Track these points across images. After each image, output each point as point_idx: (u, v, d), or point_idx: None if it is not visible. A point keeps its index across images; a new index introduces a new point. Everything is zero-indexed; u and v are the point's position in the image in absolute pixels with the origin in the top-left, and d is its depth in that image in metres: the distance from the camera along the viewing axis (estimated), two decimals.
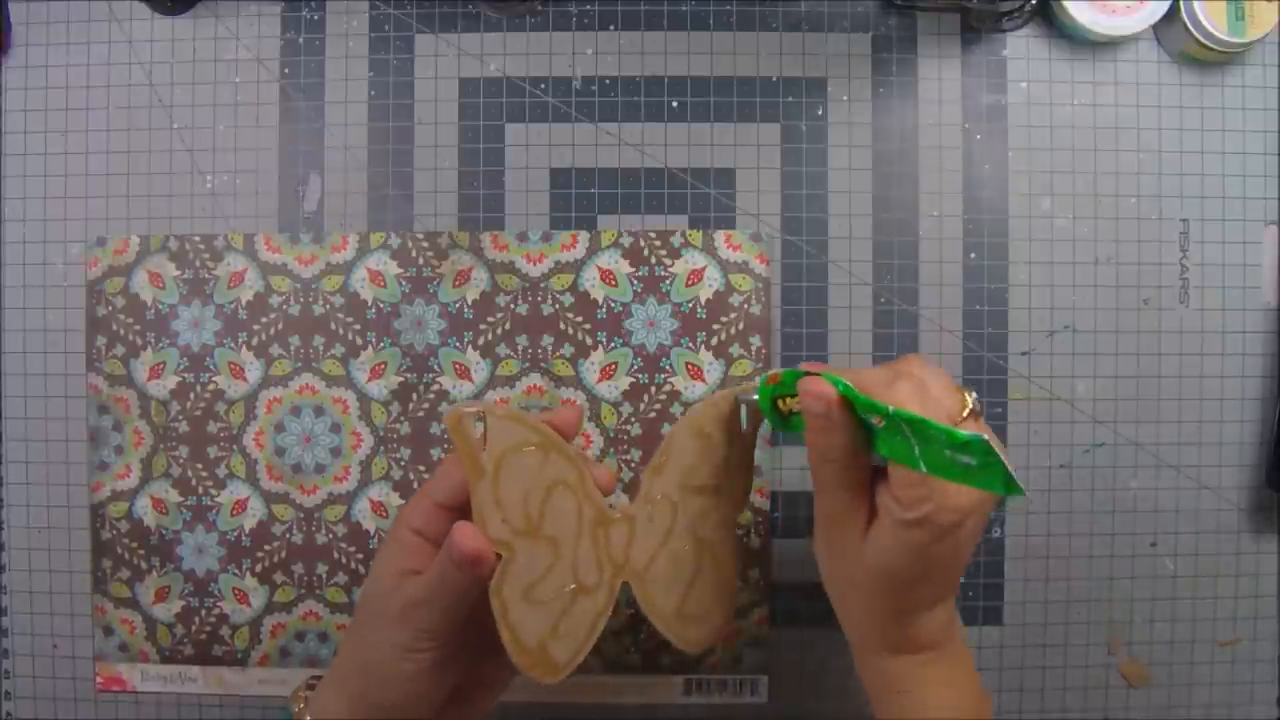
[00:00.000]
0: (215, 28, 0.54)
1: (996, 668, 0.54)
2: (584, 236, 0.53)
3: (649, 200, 0.53)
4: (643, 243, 0.53)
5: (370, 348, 0.54)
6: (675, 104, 0.54)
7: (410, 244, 0.53)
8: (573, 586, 0.41)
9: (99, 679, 0.55)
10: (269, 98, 0.54)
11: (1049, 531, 0.54)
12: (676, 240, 0.53)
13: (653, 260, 0.53)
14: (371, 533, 0.54)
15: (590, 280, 0.53)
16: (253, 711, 0.54)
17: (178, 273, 0.54)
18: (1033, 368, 0.53)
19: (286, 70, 0.54)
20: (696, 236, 0.53)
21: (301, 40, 0.54)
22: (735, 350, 0.53)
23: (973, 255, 0.54)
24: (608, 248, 0.53)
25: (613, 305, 0.53)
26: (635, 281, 0.53)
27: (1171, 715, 0.54)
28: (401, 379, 0.54)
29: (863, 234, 0.54)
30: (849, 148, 0.54)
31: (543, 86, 0.54)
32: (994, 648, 0.54)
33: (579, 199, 0.54)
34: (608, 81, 0.54)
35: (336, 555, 0.54)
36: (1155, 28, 0.51)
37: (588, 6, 0.54)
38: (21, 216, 0.55)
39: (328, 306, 0.54)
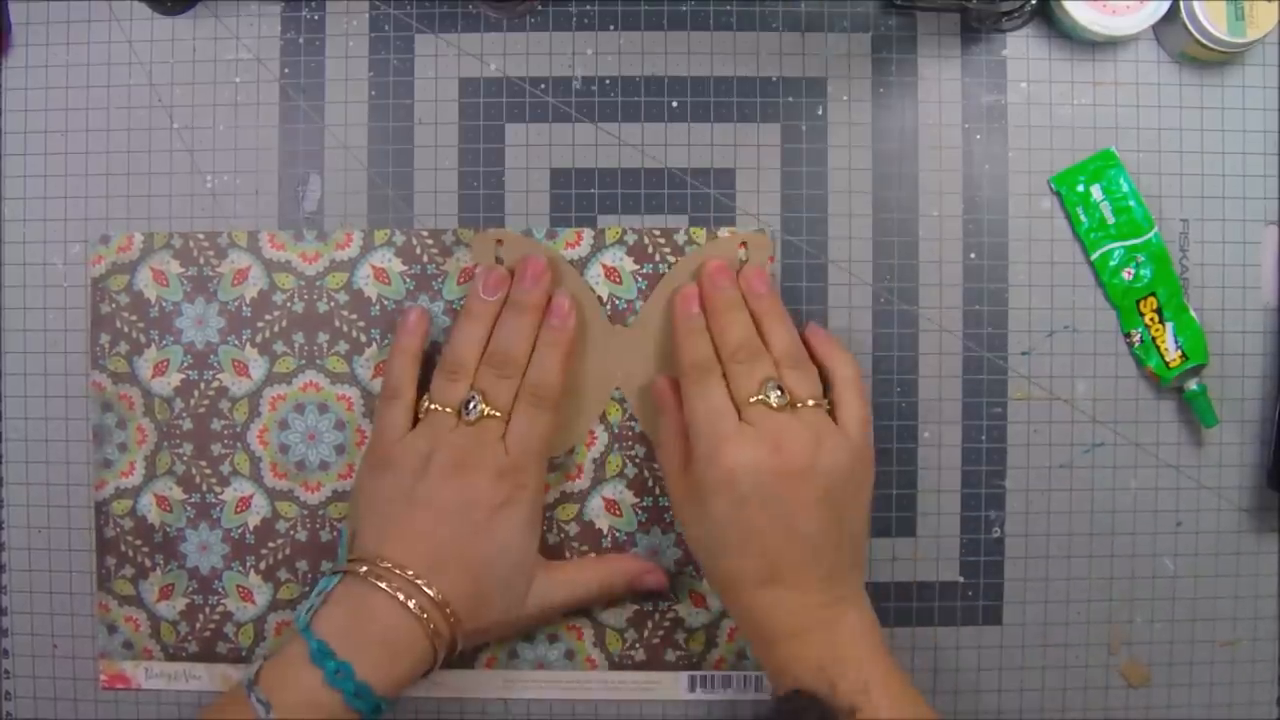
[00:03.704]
0: (215, 28, 0.54)
1: (996, 668, 0.54)
2: (588, 234, 0.53)
3: (649, 200, 0.53)
4: (647, 240, 0.53)
5: (374, 345, 0.54)
6: (675, 104, 0.54)
7: (415, 241, 0.54)
8: (572, 386, 0.51)
9: (103, 677, 0.55)
10: (269, 98, 0.54)
11: (1049, 531, 0.54)
12: (681, 238, 0.53)
13: (657, 258, 0.53)
14: None
15: (595, 277, 0.53)
16: None
17: (181, 270, 0.54)
18: (1033, 368, 0.53)
19: (286, 70, 0.54)
20: (700, 234, 0.53)
21: (301, 40, 0.54)
22: None
23: (973, 255, 0.54)
24: (612, 245, 0.53)
25: (617, 302, 0.53)
26: (639, 279, 0.53)
27: (1171, 715, 0.54)
28: None
29: (863, 234, 0.54)
30: (849, 148, 0.54)
31: (543, 86, 0.54)
32: (994, 648, 0.54)
33: (579, 199, 0.54)
34: (608, 81, 0.54)
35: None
36: (1155, 28, 0.51)
37: (588, 6, 0.54)
38: (21, 216, 0.55)
39: (332, 304, 0.54)
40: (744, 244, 0.53)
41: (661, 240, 0.53)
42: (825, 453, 0.45)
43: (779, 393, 0.46)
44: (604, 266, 0.53)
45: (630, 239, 0.53)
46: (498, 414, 0.47)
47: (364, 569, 0.45)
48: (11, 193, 0.55)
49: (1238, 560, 0.54)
